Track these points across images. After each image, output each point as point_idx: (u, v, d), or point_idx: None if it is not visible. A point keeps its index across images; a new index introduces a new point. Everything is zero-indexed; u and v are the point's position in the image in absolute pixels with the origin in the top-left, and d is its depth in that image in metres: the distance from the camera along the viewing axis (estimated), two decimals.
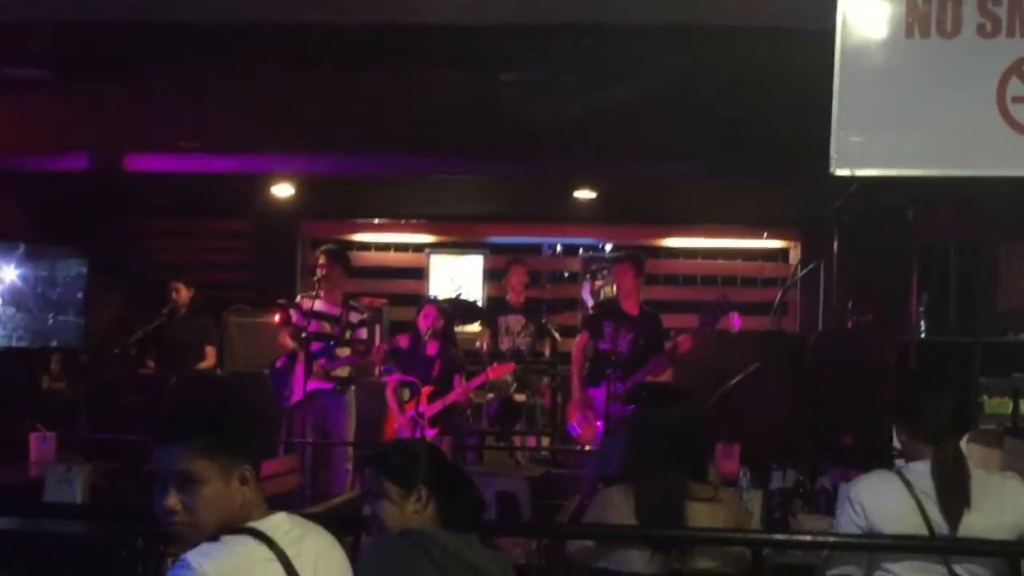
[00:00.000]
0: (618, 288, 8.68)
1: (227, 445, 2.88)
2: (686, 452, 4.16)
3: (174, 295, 9.99)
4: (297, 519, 2.99)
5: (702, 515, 4.10)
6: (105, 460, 7.12)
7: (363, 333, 9.01)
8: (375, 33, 6.04)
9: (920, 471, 3.84)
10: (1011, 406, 6.88)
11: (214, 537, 2.83)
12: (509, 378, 9.54)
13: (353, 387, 8.89)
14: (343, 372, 8.76)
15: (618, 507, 4.13)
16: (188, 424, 2.91)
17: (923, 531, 3.79)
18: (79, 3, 5.34)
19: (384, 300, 11.39)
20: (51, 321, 9.91)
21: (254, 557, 2.81)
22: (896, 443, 4.08)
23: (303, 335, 8.54)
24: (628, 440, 4.34)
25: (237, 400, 3.06)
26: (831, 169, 4.38)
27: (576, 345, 8.85)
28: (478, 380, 8.93)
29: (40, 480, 5.86)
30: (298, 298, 9.09)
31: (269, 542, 2.83)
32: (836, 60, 4.36)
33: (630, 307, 8.54)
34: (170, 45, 6.56)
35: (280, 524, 2.90)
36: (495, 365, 9.06)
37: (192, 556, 2.77)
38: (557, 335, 10.58)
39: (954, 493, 3.80)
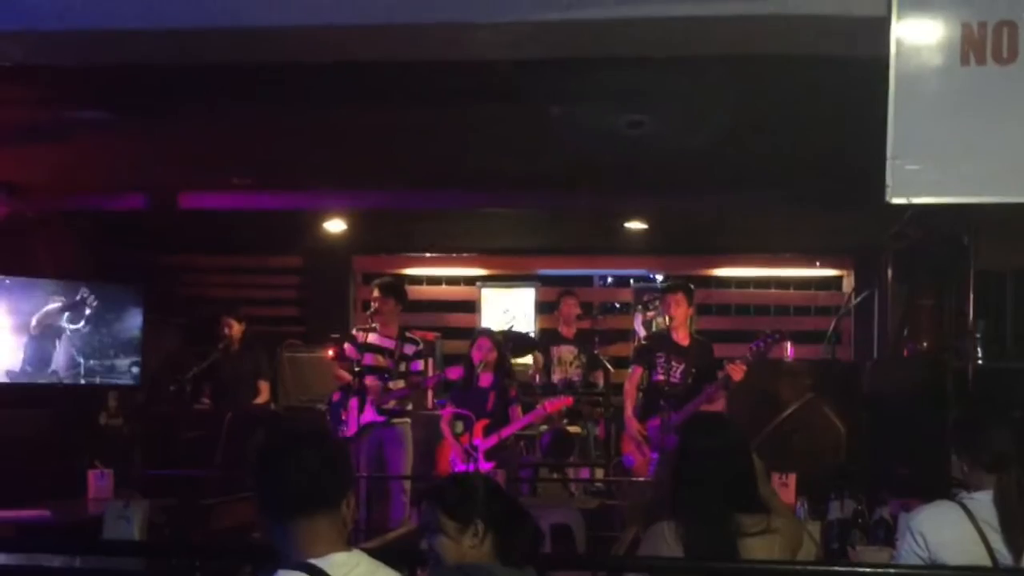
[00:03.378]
0: (669, 318, 8.65)
1: (255, 486, 2.96)
2: (733, 482, 4.02)
3: (226, 330, 10.04)
4: (363, 557, 2.96)
5: (756, 550, 3.96)
6: (162, 496, 7.17)
7: (418, 365, 9.05)
8: (426, 70, 6.08)
9: (982, 501, 3.80)
10: None
11: (270, 572, 2.84)
12: (562, 409, 9.52)
13: (408, 420, 8.91)
14: (395, 404, 8.78)
15: (668, 543, 4.00)
16: None
17: (986, 562, 3.75)
18: (134, 47, 5.41)
19: (436, 333, 11.42)
20: (108, 358, 10.02)
21: None
22: (955, 472, 4.03)
23: (356, 368, 8.59)
24: (674, 472, 4.24)
25: (259, 440, 3.10)
26: (887, 197, 4.34)
27: (628, 379, 8.82)
28: (536, 414, 8.89)
29: (98, 517, 5.92)
30: (353, 331, 9.14)
31: None
32: (891, 88, 4.32)
33: (681, 337, 8.52)
34: (222, 85, 6.64)
35: (343, 563, 2.88)
36: (552, 399, 9.02)
37: None
38: (610, 366, 10.56)
39: (1017, 523, 3.75)
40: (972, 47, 4.31)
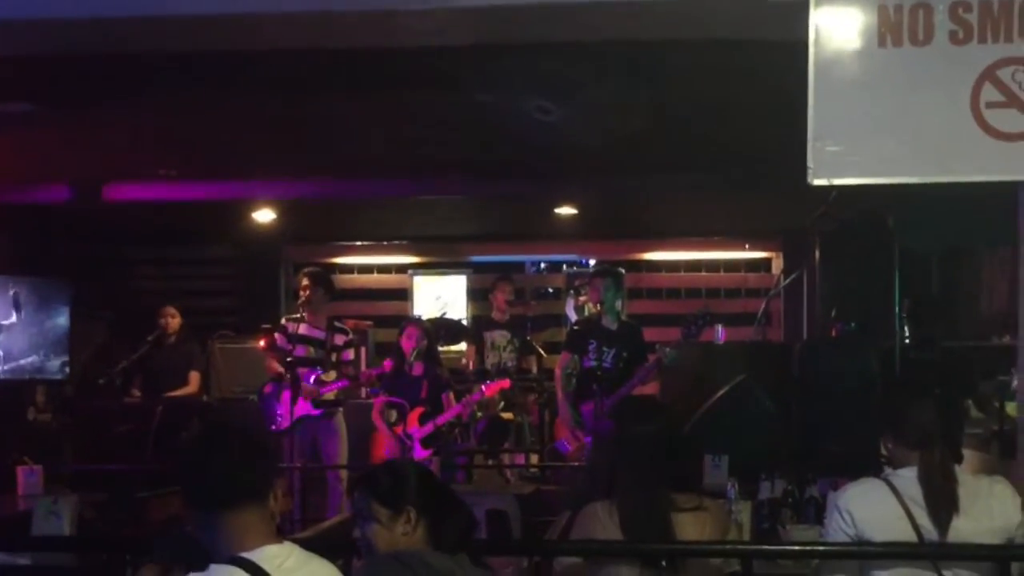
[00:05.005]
0: (599, 303, 8.71)
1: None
2: (668, 464, 4.14)
3: (168, 320, 9.98)
4: (295, 548, 2.96)
5: (688, 524, 4.09)
6: (92, 491, 7.11)
7: (349, 355, 9.05)
8: (353, 57, 6.05)
9: (907, 478, 3.85)
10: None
11: (203, 567, 2.83)
12: (497, 395, 9.54)
13: (341, 410, 8.90)
14: (330, 395, 8.76)
15: (603, 523, 4.10)
16: None
17: (912, 538, 3.80)
18: (55, 36, 5.34)
19: (369, 322, 11.39)
20: (35, 352, 9.89)
21: None
22: (883, 450, 4.09)
23: (288, 360, 8.56)
24: (610, 455, 4.33)
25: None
26: (808, 179, 4.41)
27: (558, 364, 8.88)
28: (474, 397, 8.91)
29: (29, 513, 5.86)
30: (283, 321, 9.12)
31: (258, 572, 2.81)
32: (810, 71, 4.39)
33: (609, 322, 8.59)
34: (146, 74, 6.57)
35: (275, 555, 2.88)
36: (489, 382, 9.04)
37: None
38: (542, 351, 10.60)
39: (942, 499, 3.81)
40: (889, 30, 4.39)
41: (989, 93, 4.41)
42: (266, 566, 2.82)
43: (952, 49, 4.37)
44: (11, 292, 9.87)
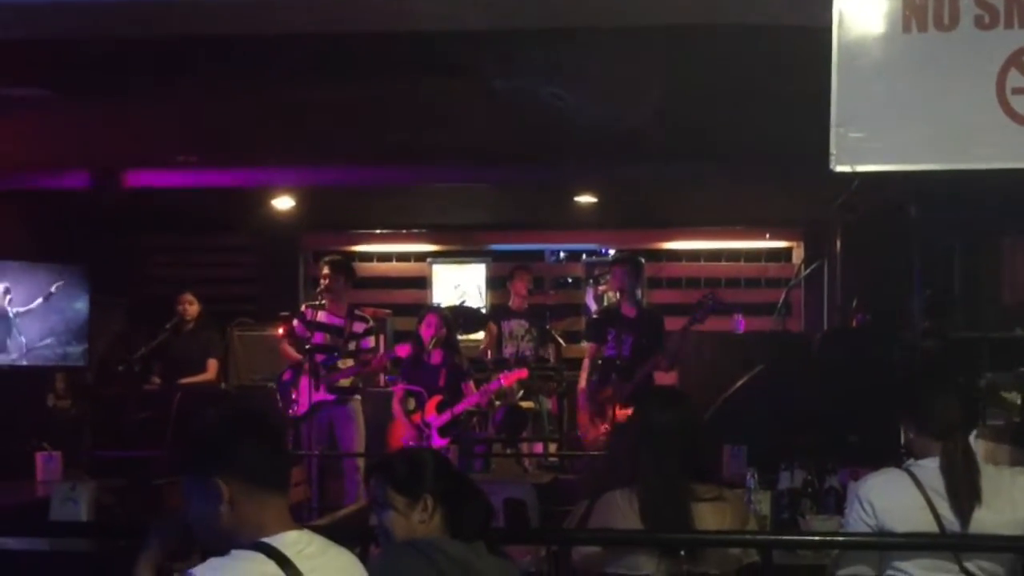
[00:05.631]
0: (618, 292, 8.71)
1: (189, 461, 2.90)
2: (688, 453, 4.15)
3: (186, 307, 9.98)
4: (315, 536, 2.94)
5: (707, 514, 4.08)
6: (110, 477, 7.12)
7: (368, 342, 9.02)
8: (371, 43, 6.04)
9: (929, 468, 3.82)
10: (1019, 401, 6.86)
11: (224, 552, 2.82)
12: (515, 384, 9.52)
13: (358, 397, 8.89)
14: (346, 382, 8.75)
15: (623, 511, 4.11)
16: None
17: (933, 528, 3.78)
18: (74, 20, 5.33)
19: (388, 310, 11.38)
20: (55, 339, 9.90)
21: (261, 572, 2.78)
22: (904, 440, 4.06)
23: (307, 347, 8.55)
24: (630, 444, 4.32)
25: (215, 414, 3.01)
26: (831, 165, 4.37)
27: (586, 355, 8.88)
28: (492, 386, 8.90)
29: (47, 499, 5.87)
30: (302, 307, 9.11)
31: (280, 558, 2.79)
32: (833, 57, 4.35)
33: (629, 310, 8.57)
34: (166, 59, 6.56)
35: (295, 541, 2.86)
36: (508, 372, 9.02)
37: (198, 571, 2.75)
38: (561, 340, 10.56)
39: (964, 489, 3.78)
40: (914, 14, 4.34)
41: (1015, 79, 4.35)
42: (287, 552, 2.81)
43: (978, 34, 4.32)
44: (53, 287, 9.87)
